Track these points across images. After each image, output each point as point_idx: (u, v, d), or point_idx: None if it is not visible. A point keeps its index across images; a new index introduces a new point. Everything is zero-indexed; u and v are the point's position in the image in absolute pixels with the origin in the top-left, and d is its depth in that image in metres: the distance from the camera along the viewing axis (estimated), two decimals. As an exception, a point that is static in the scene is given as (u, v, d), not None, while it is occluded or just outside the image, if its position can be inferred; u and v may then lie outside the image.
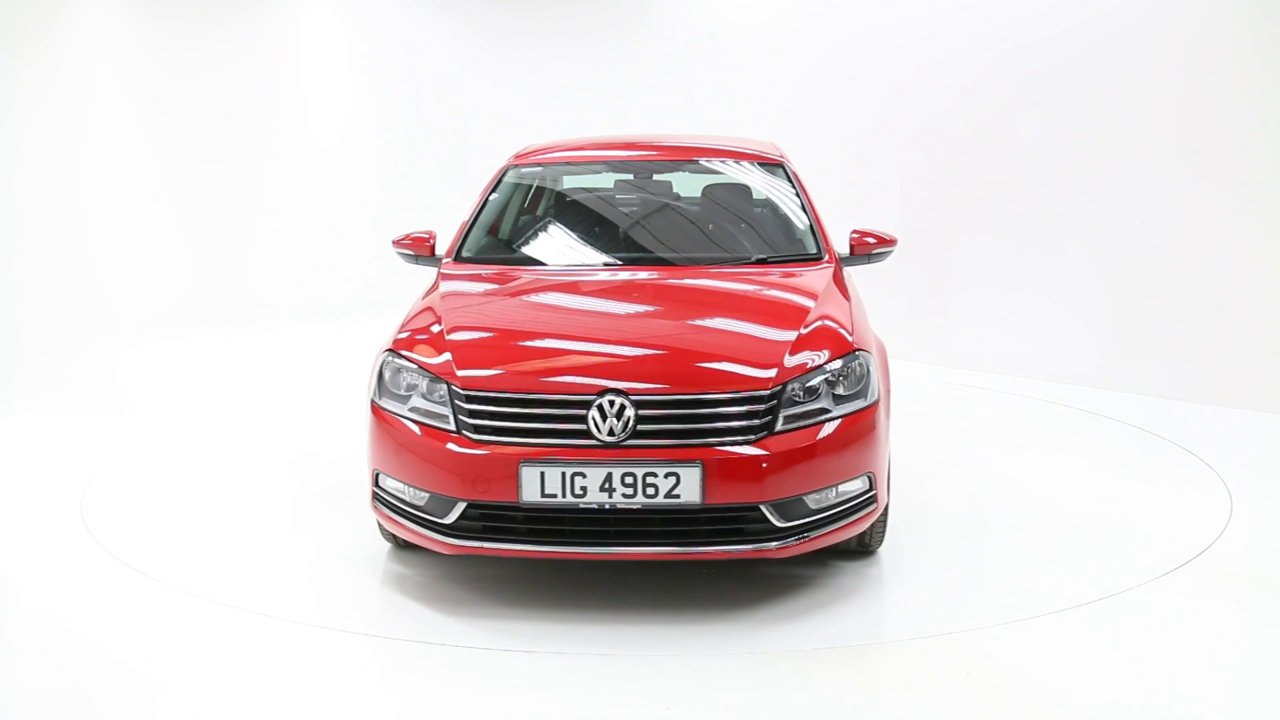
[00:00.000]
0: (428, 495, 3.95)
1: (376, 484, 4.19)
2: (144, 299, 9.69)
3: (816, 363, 4.01)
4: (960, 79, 7.97)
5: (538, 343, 4.21)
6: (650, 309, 4.58)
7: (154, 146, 10.00)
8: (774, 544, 3.87)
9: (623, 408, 3.79)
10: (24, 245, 9.17)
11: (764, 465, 3.79)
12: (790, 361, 3.98)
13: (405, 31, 11.01)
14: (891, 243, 5.14)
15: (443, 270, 4.99)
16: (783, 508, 3.87)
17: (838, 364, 4.05)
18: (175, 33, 10.02)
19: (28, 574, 4.45)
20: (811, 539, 3.94)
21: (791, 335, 4.11)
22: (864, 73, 8.53)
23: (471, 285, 4.81)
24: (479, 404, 3.90)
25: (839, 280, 4.77)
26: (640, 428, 3.79)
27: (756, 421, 3.84)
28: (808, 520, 3.93)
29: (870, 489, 4.08)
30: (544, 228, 5.44)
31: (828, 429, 3.93)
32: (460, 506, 3.87)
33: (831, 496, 3.97)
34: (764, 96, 9.06)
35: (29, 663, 3.73)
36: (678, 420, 3.81)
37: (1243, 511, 5.06)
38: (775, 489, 3.82)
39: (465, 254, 5.11)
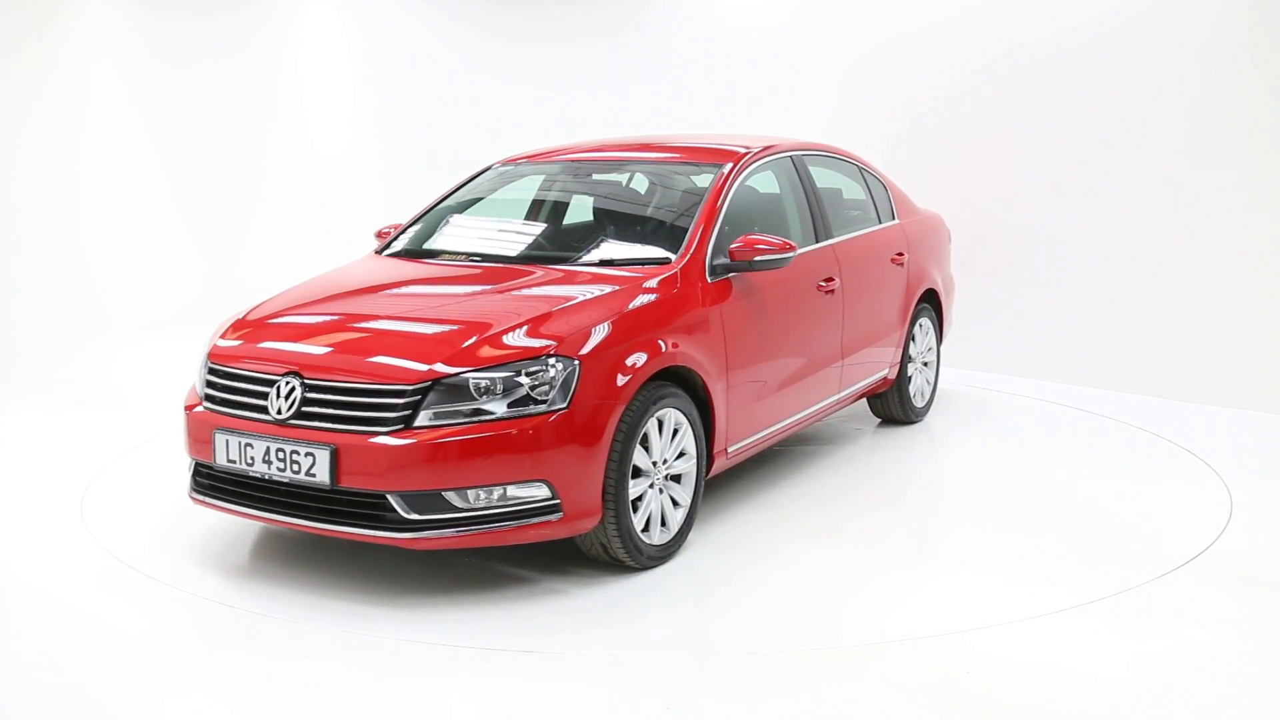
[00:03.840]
0: (186, 455, 4.52)
1: None
2: (144, 298, 9.69)
3: (479, 362, 4.04)
4: (960, 78, 7.96)
5: (280, 324, 4.57)
6: (398, 306, 4.73)
7: (153, 145, 10.00)
8: (405, 534, 3.98)
9: (293, 389, 4.09)
10: (22, 244, 9.17)
11: (389, 456, 3.91)
12: (452, 360, 4.04)
13: (405, 30, 11.00)
14: (780, 249, 4.81)
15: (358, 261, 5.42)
16: (414, 500, 3.95)
17: (520, 367, 4.02)
18: (175, 30, 10.02)
19: (28, 574, 4.45)
20: (451, 537, 3.99)
21: (477, 335, 4.15)
22: (863, 73, 8.52)
23: (344, 275, 5.12)
24: (212, 374, 4.45)
25: (670, 284, 4.60)
26: (305, 409, 4.09)
27: (393, 415, 3.96)
28: (449, 517, 3.97)
29: (552, 497, 4.04)
30: (454, 230, 5.55)
31: (484, 430, 3.94)
32: (193, 464, 4.46)
33: (492, 498, 3.99)
34: (767, 93, 9.06)
35: (29, 662, 3.73)
36: (333, 405, 4.07)
37: (1243, 511, 5.06)
38: (403, 481, 3.92)
39: (394, 248, 5.46)
